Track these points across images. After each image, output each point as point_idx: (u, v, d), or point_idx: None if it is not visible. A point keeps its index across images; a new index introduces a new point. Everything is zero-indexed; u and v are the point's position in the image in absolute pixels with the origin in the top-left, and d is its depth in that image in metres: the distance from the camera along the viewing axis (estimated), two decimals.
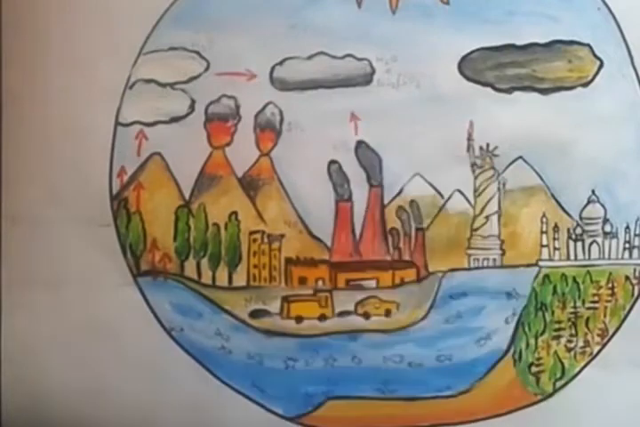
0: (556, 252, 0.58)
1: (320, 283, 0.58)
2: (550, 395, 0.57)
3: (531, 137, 0.57)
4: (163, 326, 0.59)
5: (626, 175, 0.58)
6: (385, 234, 0.58)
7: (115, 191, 0.59)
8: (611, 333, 0.58)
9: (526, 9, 0.57)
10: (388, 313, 0.58)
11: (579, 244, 0.58)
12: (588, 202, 0.58)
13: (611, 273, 0.58)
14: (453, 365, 0.58)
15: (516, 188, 0.58)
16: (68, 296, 0.60)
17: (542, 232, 0.58)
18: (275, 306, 0.58)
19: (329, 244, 0.58)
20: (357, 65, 0.58)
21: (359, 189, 0.58)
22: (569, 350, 0.57)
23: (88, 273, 0.59)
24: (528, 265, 0.57)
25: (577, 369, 0.57)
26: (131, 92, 0.59)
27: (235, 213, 0.59)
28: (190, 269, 0.59)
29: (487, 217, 0.58)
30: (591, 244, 0.58)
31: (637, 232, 0.58)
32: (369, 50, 0.58)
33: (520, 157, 0.58)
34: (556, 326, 0.57)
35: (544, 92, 0.57)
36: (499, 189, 0.58)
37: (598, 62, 0.57)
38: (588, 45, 0.57)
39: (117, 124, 0.59)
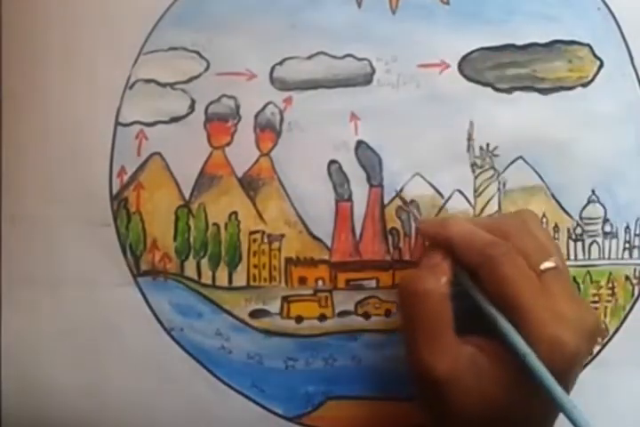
0: None
1: (320, 283, 0.58)
2: None
3: (531, 137, 0.57)
4: (163, 326, 0.59)
5: (626, 175, 0.58)
6: (385, 234, 0.58)
7: (115, 191, 0.59)
8: (611, 333, 0.58)
9: (526, 9, 0.57)
10: (388, 313, 0.58)
11: (579, 244, 0.58)
12: (588, 202, 0.58)
13: (611, 273, 0.58)
14: None
15: (516, 188, 0.58)
16: (68, 296, 0.60)
17: None
18: (275, 306, 0.58)
19: (329, 244, 0.58)
20: (357, 65, 0.58)
21: (359, 189, 0.58)
22: None
23: (88, 273, 0.59)
24: None
25: None
26: (131, 92, 0.59)
27: (235, 213, 0.59)
28: (190, 269, 0.59)
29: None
30: (591, 244, 0.58)
31: (637, 232, 0.58)
32: (369, 50, 0.58)
33: (520, 157, 0.58)
34: None
35: (544, 92, 0.57)
36: (499, 189, 0.58)
37: (598, 62, 0.57)
38: (588, 45, 0.57)
39: (117, 124, 0.59)
